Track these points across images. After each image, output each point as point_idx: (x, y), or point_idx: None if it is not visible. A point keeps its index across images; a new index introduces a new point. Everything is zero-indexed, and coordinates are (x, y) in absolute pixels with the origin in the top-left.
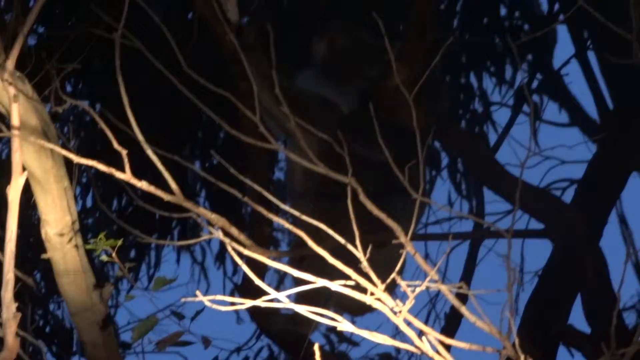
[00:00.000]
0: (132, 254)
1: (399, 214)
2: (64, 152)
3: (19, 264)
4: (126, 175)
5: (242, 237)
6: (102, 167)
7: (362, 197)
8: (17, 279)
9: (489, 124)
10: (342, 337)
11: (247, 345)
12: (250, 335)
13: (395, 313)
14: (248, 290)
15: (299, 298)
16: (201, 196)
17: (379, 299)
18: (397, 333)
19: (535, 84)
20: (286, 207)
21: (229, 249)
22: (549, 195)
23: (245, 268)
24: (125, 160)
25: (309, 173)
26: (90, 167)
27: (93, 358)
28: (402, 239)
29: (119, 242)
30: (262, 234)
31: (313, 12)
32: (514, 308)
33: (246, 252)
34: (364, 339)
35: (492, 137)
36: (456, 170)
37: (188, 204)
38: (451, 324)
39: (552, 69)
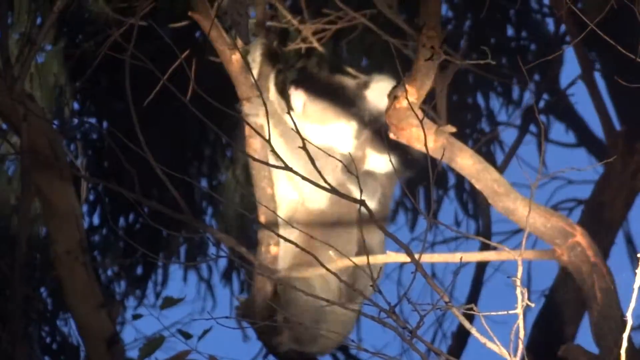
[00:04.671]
0: (139, 270)
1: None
2: (73, 171)
3: (26, 280)
4: (136, 195)
5: (250, 256)
6: (112, 185)
7: (375, 220)
8: (25, 296)
9: (496, 143)
10: (349, 356)
11: None
12: (256, 353)
13: (405, 334)
14: (253, 308)
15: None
16: (207, 213)
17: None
18: (403, 352)
19: (541, 104)
20: (296, 227)
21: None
22: (557, 216)
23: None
24: (135, 179)
25: None
26: (98, 185)
27: None
28: (413, 260)
29: (127, 262)
30: (269, 253)
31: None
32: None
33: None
34: (371, 356)
35: (499, 157)
36: (463, 189)
37: (198, 224)
38: (458, 343)
39: (559, 89)
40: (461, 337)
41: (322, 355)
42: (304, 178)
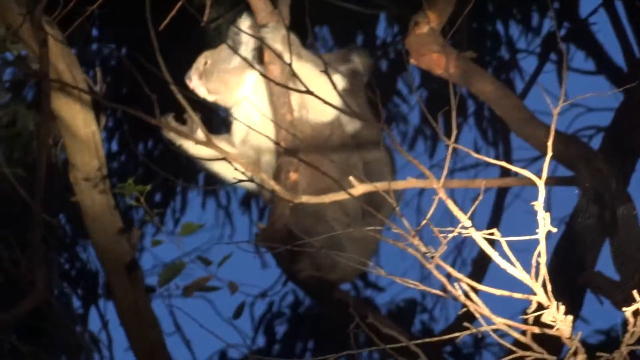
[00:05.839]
0: (158, 198)
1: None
2: (92, 96)
3: (45, 207)
4: (156, 120)
5: (270, 182)
6: (131, 110)
7: (395, 144)
8: (44, 222)
9: (516, 71)
10: (368, 282)
11: (273, 290)
12: (275, 280)
13: (426, 259)
14: (273, 235)
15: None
16: None
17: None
18: (423, 278)
19: (562, 31)
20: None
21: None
22: (578, 142)
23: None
24: (155, 104)
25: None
26: (116, 111)
27: (120, 301)
28: (435, 184)
29: (147, 188)
30: (289, 180)
31: None
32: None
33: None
34: (390, 284)
35: (519, 85)
36: (483, 116)
37: (218, 149)
38: (478, 269)
39: (579, 17)
40: (481, 264)
41: (343, 283)
42: (326, 103)
